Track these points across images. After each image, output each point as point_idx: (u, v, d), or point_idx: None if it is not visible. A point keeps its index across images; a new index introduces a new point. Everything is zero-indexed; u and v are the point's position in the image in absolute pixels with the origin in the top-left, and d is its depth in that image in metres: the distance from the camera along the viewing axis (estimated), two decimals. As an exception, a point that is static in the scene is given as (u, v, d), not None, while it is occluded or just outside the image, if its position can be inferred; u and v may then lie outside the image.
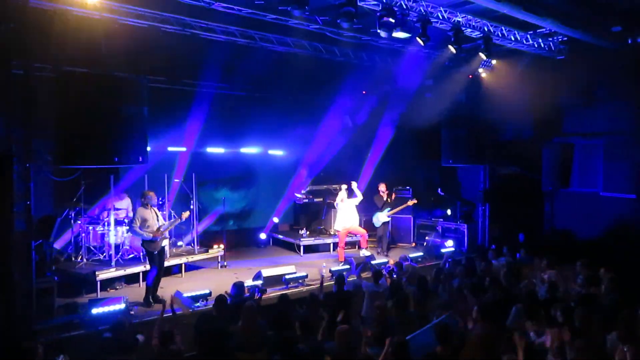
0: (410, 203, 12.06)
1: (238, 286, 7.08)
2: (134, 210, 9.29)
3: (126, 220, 9.38)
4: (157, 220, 8.33)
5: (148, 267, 8.57)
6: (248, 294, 7.52)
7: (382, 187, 11.97)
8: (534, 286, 7.67)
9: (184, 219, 8.79)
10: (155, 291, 8.25)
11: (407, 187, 13.06)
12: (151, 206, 8.34)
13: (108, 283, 8.73)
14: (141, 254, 9.24)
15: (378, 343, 5.18)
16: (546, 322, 5.84)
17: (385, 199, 11.92)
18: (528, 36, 10.20)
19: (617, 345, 4.95)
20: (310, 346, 5.25)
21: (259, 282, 8.57)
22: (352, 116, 13.90)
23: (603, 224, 11.36)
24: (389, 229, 12.20)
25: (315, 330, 5.94)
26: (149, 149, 8.17)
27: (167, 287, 8.79)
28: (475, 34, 9.65)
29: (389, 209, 11.84)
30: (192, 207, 10.44)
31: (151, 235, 8.11)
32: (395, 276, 8.35)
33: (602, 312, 5.94)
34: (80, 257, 9.23)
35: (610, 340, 5.15)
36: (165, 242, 9.03)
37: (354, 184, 11.24)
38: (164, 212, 9.59)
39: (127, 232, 9.35)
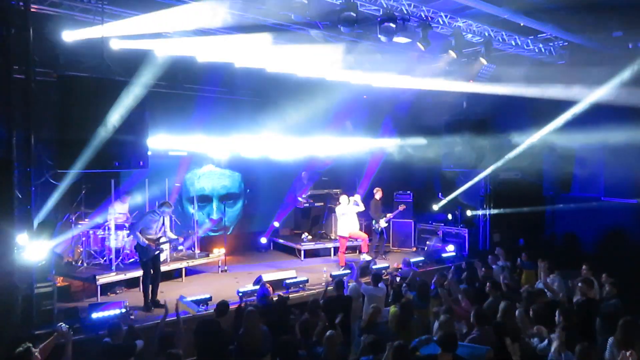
0: (400, 208, 12.04)
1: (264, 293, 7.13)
2: (137, 214, 9.28)
3: (126, 225, 9.38)
4: (161, 230, 8.34)
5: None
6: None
7: (379, 193, 11.93)
8: (536, 291, 7.63)
9: (180, 242, 8.87)
10: (155, 295, 8.24)
11: (408, 192, 13.06)
12: (161, 216, 8.35)
13: (108, 287, 8.72)
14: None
15: (372, 349, 5.15)
16: (548, 326, 5.82)
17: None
18: (529, 41, 10.21)
19: (618, 350, 4.92)
20: (308, 351, 5.24)
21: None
22: (352, 120, 13.90)
23: (604, 228, 11.33)
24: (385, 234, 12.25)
25: (313, 334, 5.92)
26: (149, 153, 8.17)
27: (168, 292, 8.79)
28: (476, 39, 9.67)
29: (386, 214, 11.84)
30: (192, 211, 10.44)
31: (146, 242, 8.11)
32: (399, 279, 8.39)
33: (603, 318, 5.93)
34: (80, 261, 9.23)
35: (610, 346, 5.13)
36: (165, 247, 9.03)
37: (358, 197, 11.24)
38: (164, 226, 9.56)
39: (127, 236, 9.36)
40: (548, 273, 8.21)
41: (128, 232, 9.34)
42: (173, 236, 8.71)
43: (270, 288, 7.76)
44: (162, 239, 8.37)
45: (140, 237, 8.07)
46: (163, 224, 8.38)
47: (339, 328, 5.95)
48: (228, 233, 11.72)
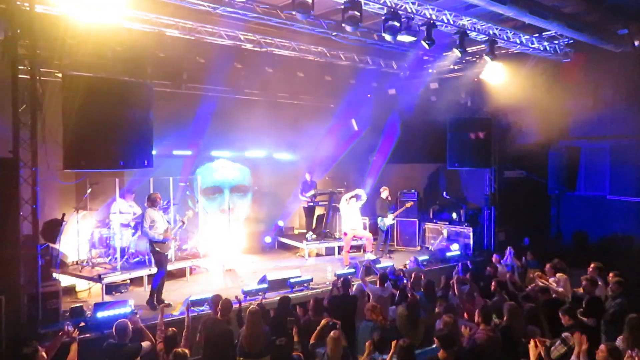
0: (408, 205, 12.06)
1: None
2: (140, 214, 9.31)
3: (132, 224, 9.39)
4: (166, 220, 8.35)
5: (153, 270, 8.57)
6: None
7: (385, 192, 11.91)
8: (542, 289, 7.60)
9: (186, 222, 8.78)
10: (160, 294, 8.25)
11: (412, 190, 13.04)
12: (158, 208, 8.37)
13: (113, 287, 8.74)
14: (146, 257, 9.25)
15: (380, 348, 5.15)
16: (552, 325, 5.80)
17: (389, 202, 11.88)
18: (533, 39, 10.16)
19: (625, 349, 4.89)
20: (306, 352, 5.22)
21: (264, 286, 8.55)
22: (357, 119, 13.89)
23: (610, 227, 11.29)
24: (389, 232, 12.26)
25: (311, 336, 5.89)
26: (154, 152, 8.19)
27: (172, 291, 8.81)
28: (481, 37, 9.63)
29: (393, 212, 11.83)
30: (196, 210, 10.45)
31: (161, 237, 8.13)
32: (404, 280, 8.37)
33: (609, 317, 5.90)
34: (85, 261, 9.25)
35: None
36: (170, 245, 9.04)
37: (362, 191, 11.26)
38: (168, 216, 9.58)
39: (132, 236, 9.37)
40: (553, 272, 8.18)
41: (133, 231, 9.36)
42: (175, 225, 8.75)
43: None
44: (171, 225, 8.41)
45: (154, 234, 8.07)
46: (162, 216, 8.41)
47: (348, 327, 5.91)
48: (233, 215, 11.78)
